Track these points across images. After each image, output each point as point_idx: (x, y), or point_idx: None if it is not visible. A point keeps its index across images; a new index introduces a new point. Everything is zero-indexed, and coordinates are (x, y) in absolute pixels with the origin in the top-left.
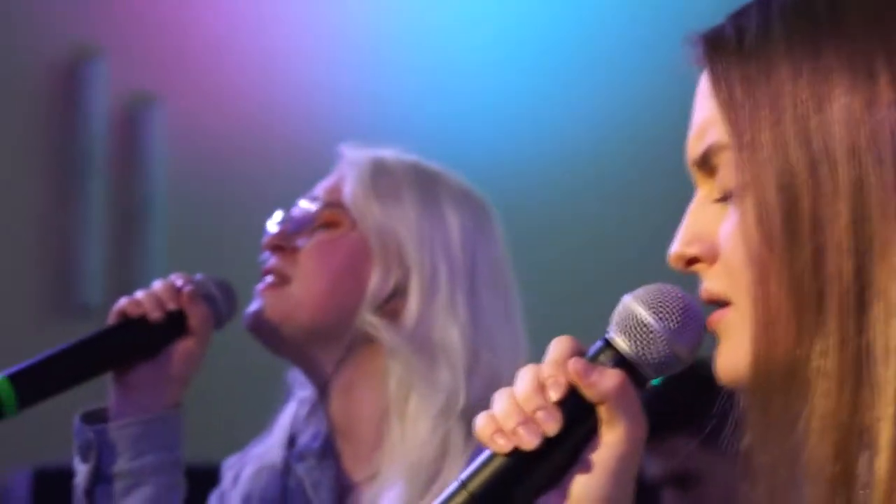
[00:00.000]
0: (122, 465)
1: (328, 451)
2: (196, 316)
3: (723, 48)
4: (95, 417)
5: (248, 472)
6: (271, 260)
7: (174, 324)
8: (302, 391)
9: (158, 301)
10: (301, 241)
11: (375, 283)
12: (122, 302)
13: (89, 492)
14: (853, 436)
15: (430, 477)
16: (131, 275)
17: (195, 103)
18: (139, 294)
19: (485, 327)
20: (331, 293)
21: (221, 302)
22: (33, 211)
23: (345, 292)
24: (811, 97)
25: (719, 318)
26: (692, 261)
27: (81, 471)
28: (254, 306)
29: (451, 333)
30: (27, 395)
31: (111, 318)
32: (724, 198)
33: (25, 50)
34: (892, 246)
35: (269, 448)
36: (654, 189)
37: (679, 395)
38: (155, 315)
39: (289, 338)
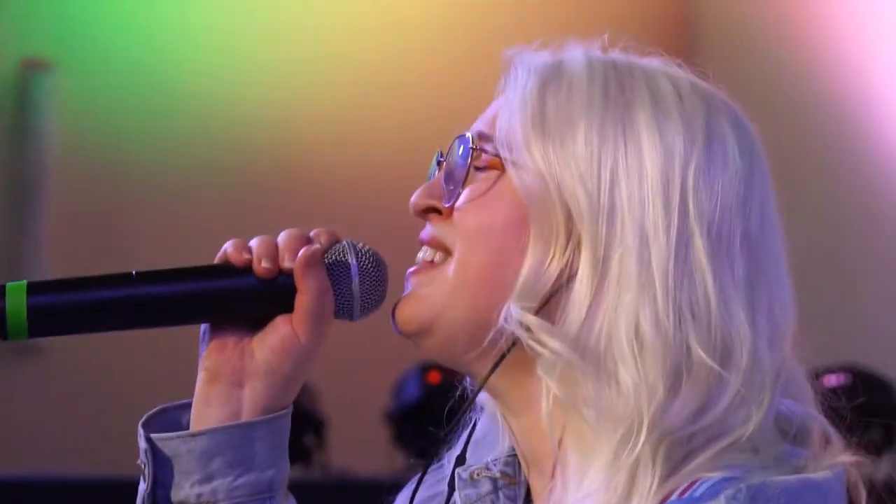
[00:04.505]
0: (186, 489)
1: (514, 472)
2: (307, 290)
3: None
4: (170, 415)
5: (420, 497)
6: (428, 226)
7: (283, 288)
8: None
9: (272, 252)
10: (451, 200)
11: (531, 263)
12: (227, 245)
13: None
14: None
15: None
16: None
17: (91, 72)
18: (254, 240)
19: (702, 308)
20: (495, 272)
21: (357, 279)
22: None
23: (510, 271)
24: None
25: None
26: None
27: (140, 491)
28: (401, 298)
29: (642, 324)
30: (44, 319)
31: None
32: None
33: None
34: None
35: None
36: None
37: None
38: (260, 267)
39: (446, 340)
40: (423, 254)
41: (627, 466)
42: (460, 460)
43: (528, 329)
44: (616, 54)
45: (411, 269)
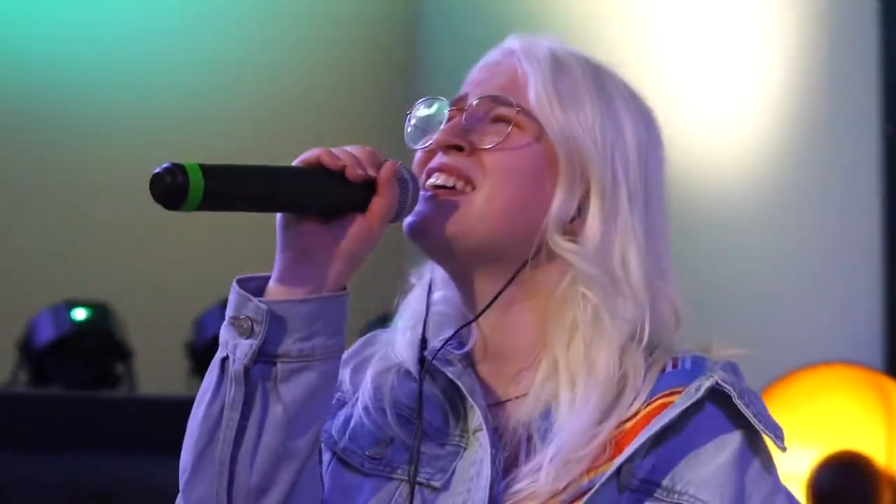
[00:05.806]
0: (289, 345)
1: (471, 361)
2: (387, 196)
3: None
4: (251, 286)
5: (373, 371)
6: (444, 158)
7: (366, 192)
8: (445, 290)
9: (359, 161)
10: (480, 143)
11: (561, 200)
12: (317, 151)
13: (248, 370)
14: None
15: (613, 400)
16: None
17: None
18: (338, 150)
19: (656, 251)
20: (517, 207)
21: (410, 194)
22: None
23: (529, 207)
24: None
25: None
26: None
27: (241, 345)
28: (423, 211)
29: (630, 259)
30: (211, 197)
31: (299, 163)
32: None
33: None
34: None
35: (396, 346)
36: None
37: None
38: (355, 173)
39: (460, 252)
40: (438, 180)
41: (626, 363)
42: (423, 341)
43: (565, 249)
44: (575, 50)
45: (430, 189)
